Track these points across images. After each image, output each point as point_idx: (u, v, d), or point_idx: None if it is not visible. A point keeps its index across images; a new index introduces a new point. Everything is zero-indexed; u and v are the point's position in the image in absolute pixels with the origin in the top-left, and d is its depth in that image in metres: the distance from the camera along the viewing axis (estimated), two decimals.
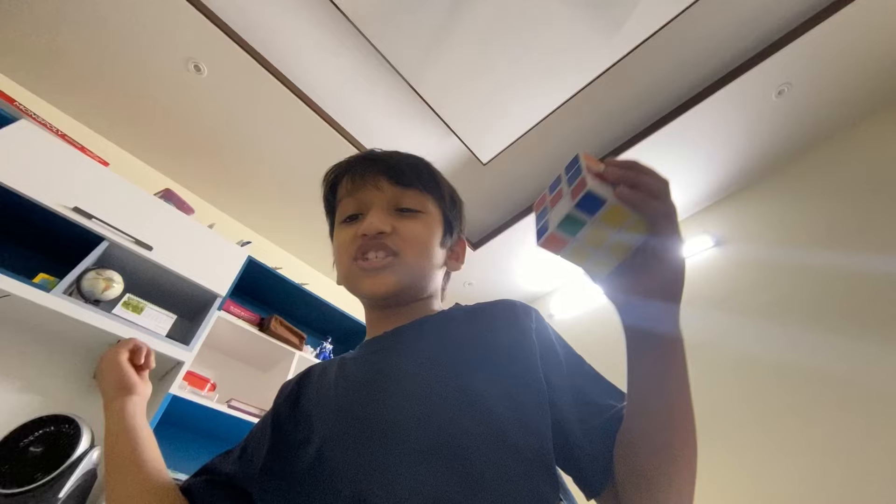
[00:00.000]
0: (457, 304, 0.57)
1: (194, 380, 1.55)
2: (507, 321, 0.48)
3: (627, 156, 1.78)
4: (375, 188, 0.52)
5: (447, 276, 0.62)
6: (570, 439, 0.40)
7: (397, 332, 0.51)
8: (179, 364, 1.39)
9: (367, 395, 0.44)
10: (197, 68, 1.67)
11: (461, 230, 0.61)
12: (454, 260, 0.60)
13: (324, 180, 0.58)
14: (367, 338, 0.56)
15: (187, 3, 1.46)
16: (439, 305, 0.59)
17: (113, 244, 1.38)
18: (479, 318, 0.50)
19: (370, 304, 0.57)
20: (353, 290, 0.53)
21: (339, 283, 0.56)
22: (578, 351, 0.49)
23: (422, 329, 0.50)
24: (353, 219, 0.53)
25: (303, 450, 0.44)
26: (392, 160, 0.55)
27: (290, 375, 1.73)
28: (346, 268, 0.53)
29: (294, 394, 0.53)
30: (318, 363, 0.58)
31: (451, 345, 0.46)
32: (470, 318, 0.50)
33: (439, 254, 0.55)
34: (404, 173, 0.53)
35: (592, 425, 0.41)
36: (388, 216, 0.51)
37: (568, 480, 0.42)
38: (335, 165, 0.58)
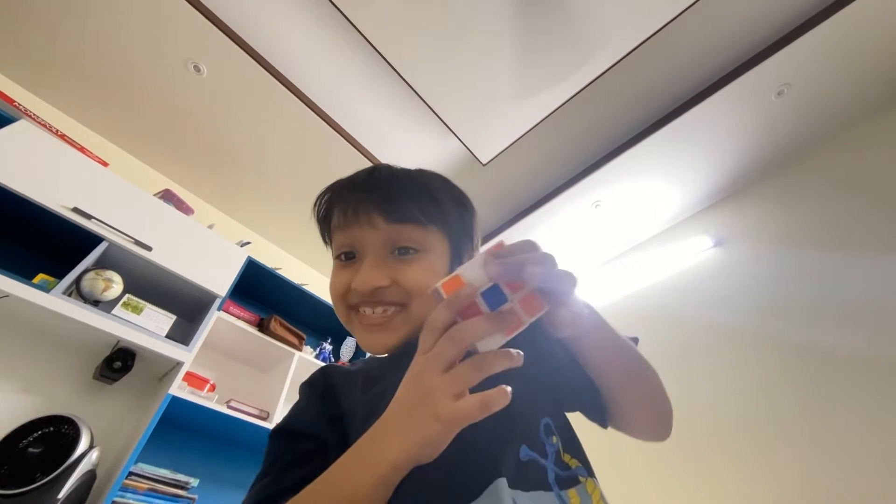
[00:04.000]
0: None
1: (194, 380, 1.55)
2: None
3: (628, 155, 1.79)
4: (370, 226, 0.46)
5: None
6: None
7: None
8: (179, 364, 1.39)
9: None
10: (197, 68, 1.67)
11: (474, 245, 0.54)
12: None
13: (314, 208, 0.52)
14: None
15: (187, 4, 1.46)
16: None
17: (112, 244, 1.38)
18: None
19: None
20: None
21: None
22: None
23: None
24: (349, 257, 0.48)
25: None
26: (390, 191, 0.47)
27: (290, 376, 1.73)
28: (343, 316, 0.49)
29: (329, 406, 0.48)
30: (344, 370, 0.52)
31: None
32: None
33: None
34: (401, 207, 0.46)
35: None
36: (383, 265, 0.45)
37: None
38: (326, 191, 0.51)
